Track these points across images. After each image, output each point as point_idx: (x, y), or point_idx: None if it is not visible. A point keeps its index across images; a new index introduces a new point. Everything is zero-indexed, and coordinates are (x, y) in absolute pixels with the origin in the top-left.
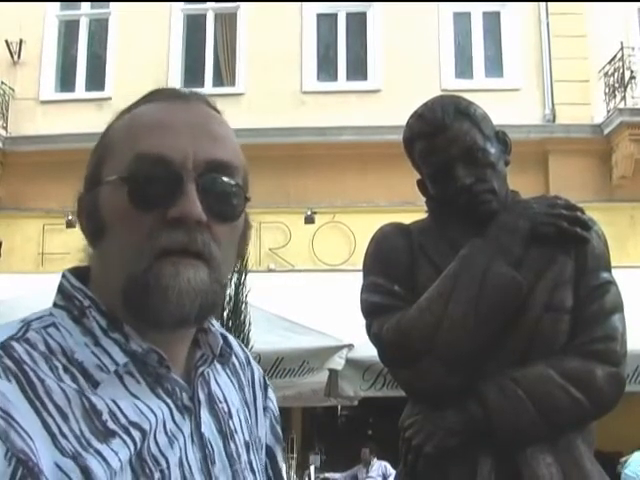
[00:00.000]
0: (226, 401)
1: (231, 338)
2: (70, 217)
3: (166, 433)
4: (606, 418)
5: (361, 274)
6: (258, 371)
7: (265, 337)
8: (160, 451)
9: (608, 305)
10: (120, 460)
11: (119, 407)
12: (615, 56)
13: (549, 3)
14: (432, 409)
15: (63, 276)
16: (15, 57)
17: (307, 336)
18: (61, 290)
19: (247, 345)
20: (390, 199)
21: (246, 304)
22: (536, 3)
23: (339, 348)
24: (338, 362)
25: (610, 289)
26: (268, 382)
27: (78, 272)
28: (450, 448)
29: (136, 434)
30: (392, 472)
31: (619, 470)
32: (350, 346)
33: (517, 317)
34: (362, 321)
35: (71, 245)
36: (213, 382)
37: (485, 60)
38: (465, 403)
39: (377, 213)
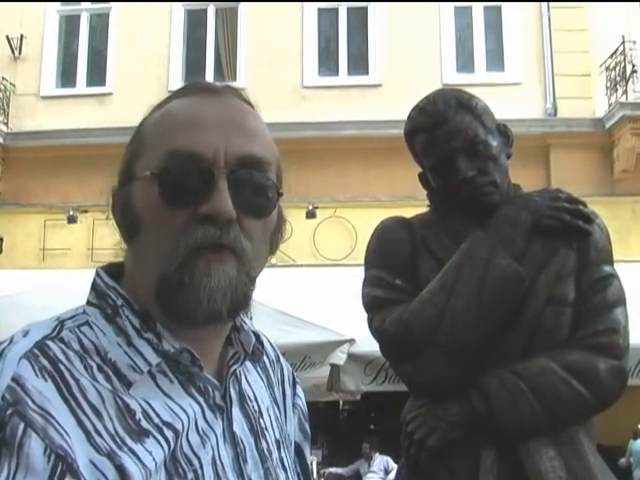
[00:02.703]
0: (256, 399)
1: (262, 336)
2: (71, 212)
3: (198, 432)
4: (608, 411)
5: (363, 269)
6: (287, 369)
7: (267, 332)
8: (193, 451)
9: (610, 298)
10: (155, 460)
11: (152, 407)
12: (616, 50)
13: None
14: (434, 403)
15: (97, 274)
16: (16, 52)
17: (309, 331)
18: (95, 288)
19: None
20: (392, 193)
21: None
22: None
23: (341, 343)
24: (340, 357)
25: (612, 282)
26: (297, 380)
27: (111, 269)
28: (452, 441)
29: (169, 434)
30: (394, 466)
31: (621, 463)
32: (352, 341)
33: (519, 310)
34: (364, 316)
35: (72, 241)
36: (244, 380)
37: (486, 54)
38: (467, 396)
39: (379, 208)
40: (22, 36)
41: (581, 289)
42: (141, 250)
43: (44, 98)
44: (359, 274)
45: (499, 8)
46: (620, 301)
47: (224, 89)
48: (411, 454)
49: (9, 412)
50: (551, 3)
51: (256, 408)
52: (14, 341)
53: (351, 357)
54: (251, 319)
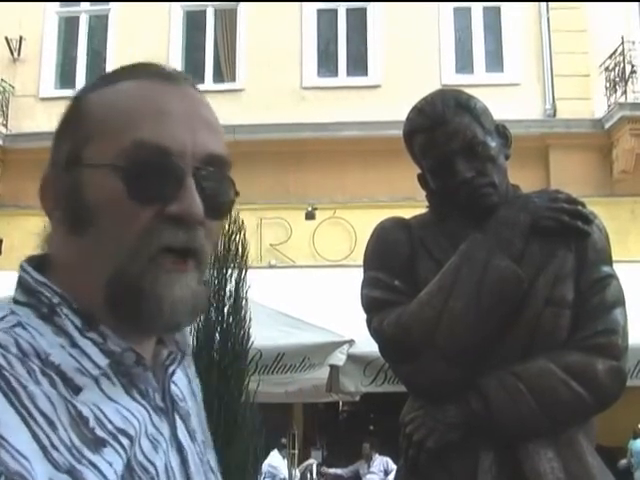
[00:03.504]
0: (185, 399)
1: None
2: None
3: (148, 438)
4: (607, 412)
5: (362, 270)
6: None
7: (266, 333)
8: (146, 458)
9: (609, 299)
10: (116, 472)
11: (104, 413)
12: (616, 50)
13: None
14: (433, 404)
15: (22, 269)
16: (15, 54)
17: (308, 332)
18: (22, 285)
19: (248, 341)
20: (391, 194)
21: (246, 300)
22: None
23: (340, 344)
24: (339, 358)
25: (611, 283)
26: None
27: (36, 263)
28: (451, 443)
29: (125, 441)
30: (393, 467)
31: (621, 465)
32: (351, 342)
33: (518, 312)
34: (363, 317)
35: None
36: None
37: (485, 55)
38: (466, 398)
39: (378, 209)
40: (21, 38)
41: (580, 290)
42: (91, 245)
43: (43, 99)
44: (358, 275)
45: (498, 9)
46: (619, 302)
47: (181, 77)
48: (410, 456)
49: None
50: (550, 4)
51: (186, 409)
52: None
53: (350, 358)
54: (251, 320)
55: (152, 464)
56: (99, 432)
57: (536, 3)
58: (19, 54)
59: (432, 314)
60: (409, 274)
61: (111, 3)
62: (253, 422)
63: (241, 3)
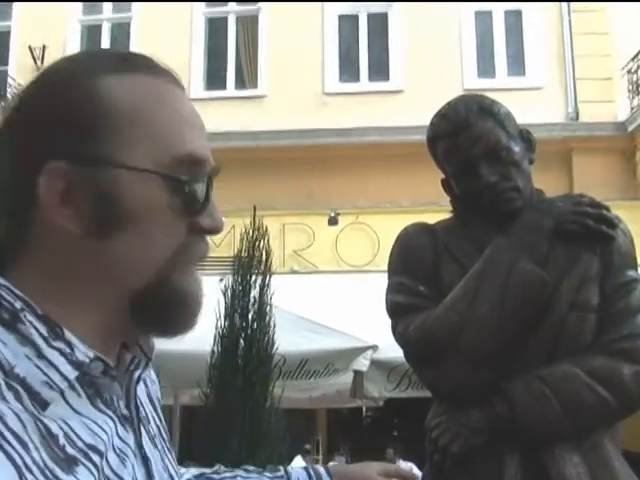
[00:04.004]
0: (142, 404)
1: None
2: None
3: (115, 452)
4: (635, 416)
5: (385, 275)
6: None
7: (290, 339)
8: (114, 473)
9: (634, 303)
10: None
11: (72, 429)
12: (638, 53)
13: (571, 0)
14: (457, 409)
15: None
16: (38, 62)
17: (332, 337)
18: None
19: (272, 347)
20: (414, 199)
21: (270, 306)
22: (558, 1)
23: (364, 349)
24: (363, 363)
25: (636, 287)
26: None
27: None
28: (476, 448)
29: (96, 458)
30: (418, 473)
31: None
32: (375, 347)
33: (542, 315)
34: (387, 322)
35: None
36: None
37: (507, 59)
38: (491, 402)
39: (401, 214)
40: (44, 46)
41: (604, 294)
42: (119, 249)
43: None
44: (382, 280)
45: (519, 12)
46: None
47: (176, 76)
48: (435, 461)
49: None
50: (572, 6)
51: (144, 414)
52: None
53: (374, 363)
54: (275, 326)
55: (119, 478)
56: (70, 450)
57: (557, 6)
58: (42, 62)
59: (457, 319)
60: (433, 279)
61: (133, 11)
62: (278, 428)
63: (262, 9)
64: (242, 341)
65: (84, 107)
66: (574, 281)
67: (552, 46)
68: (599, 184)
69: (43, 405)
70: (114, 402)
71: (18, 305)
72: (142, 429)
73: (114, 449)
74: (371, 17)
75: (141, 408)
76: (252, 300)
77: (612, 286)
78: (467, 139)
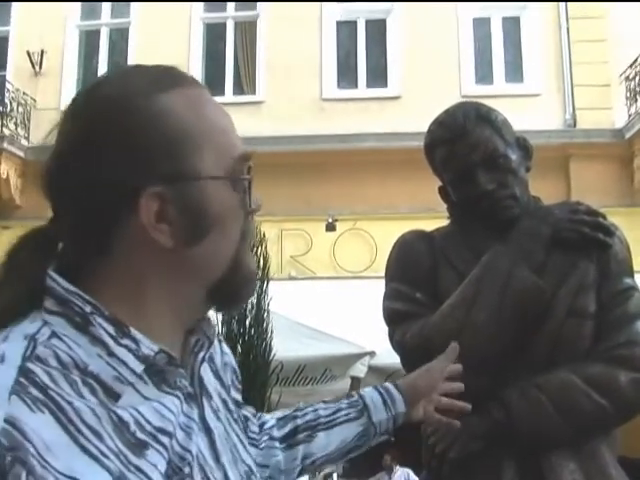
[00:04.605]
0: (209, 381)
1: None
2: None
3: (182, 427)
4: (633, 422)
5: (383, 281)
6: (214, 328)
7: (287, 345)
8: (182, 447)
9: (631, 310)
10: (160, 473)
11: (142, 414)
12: (636, 60)
13: (569, 7)
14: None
15: (50, 278)
16: (37, 67)
17: (329, 344)
18: (53, 295)
19: (269, 353)
20: (411, 205)
21: (268, 312)
22: (556, 8)
23: (361, 355)
24: (360, 369)
25: (633, 294)
26: (220, 337)
27: (59, 271)
28: (474, 454)
29: (165, 439)
30: (415, 479)
31: None
32: (372, 353)
33: (540, 322)
34: (384, 328)
35: None
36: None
37: (505, 65)
38: (488, 409)
39: (398, 220)
40: (43, 51)
41: (601, 301)
42: (207, 250)
43: None
44: (379, 286)
45: (517, 19)
46: None
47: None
48: (432, 467)
49: (9, 459)
50: (570, 13)
51: (210, 391)
52: None
53: (371, 370)
54: (272, 332)
55: (188, 451)
56: (140, 435)
57: (556, 13)
58: (40, 67)
59: (454, 325)
60: (431, 286)
61: (131, 16)
62: None
63: (261, 15)
64: (240, 347)
65: (156, 130)
66: (571, 288)
67: (550, 53)
68: (597, 190)
69: (116, 397)
70: (178, 383)
71: (88, 309)
72: (205, 403)
73: (181, 426)
74: (369, 23)
75: (206, 385)
76: (250, 306)
77: (609, 293)
78: (464, 146)
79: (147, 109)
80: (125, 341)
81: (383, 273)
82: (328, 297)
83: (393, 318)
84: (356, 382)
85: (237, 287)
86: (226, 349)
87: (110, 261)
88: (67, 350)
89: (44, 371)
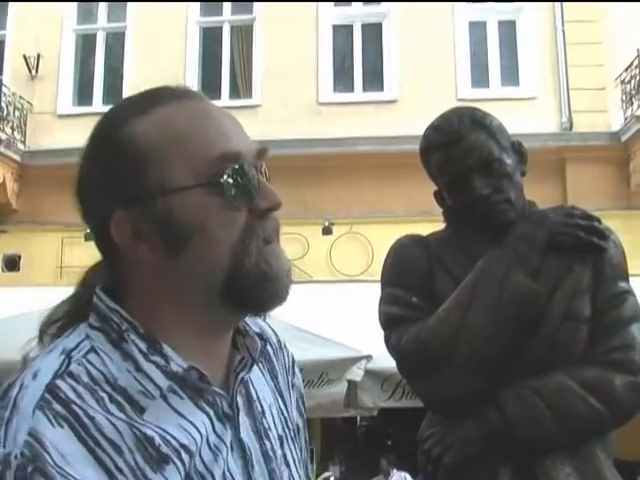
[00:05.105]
0: (259, 399)
1: (265, 326)
2: (89, 230)
3: (210, 448)
4: (628, 426)
5: (379, 284)
6: (289, 353)
7: None
8: (206, 467)
9: (626, 314)
10: None
11: (168, 432)
12: (632, 63)
13: (565, 11)
14: (451, 419)
15: (97, 296)
16: (33, 71)
17: (326, 347)
18: (97, 311)
19: None
20: (407, 209)
21: (265, 316)
22: (551, 11)
23: (358, 359)
24: (357, 373)
25: (628, 298)
26: (295, 360)
27: (108, 289)
28: (469, 458)
29: (185, 457)
30: None
31: None
32: (369, 357)
33: (535, 327)
34: (381, 332)
35: (89, 258)
36: (248, 381)
37: (501, 69)
38: (484, 413)
39: (395, 223)
40: (39, 55)
41: (597, 305)
42: (192, 260)
43: (61, 116)
44: (376, 290)
45: (513, 23)
46: (636, 317)
47: (196, 92)
48: (428, 471)
49: (30, 469)
50: (566, 16)
51: (259, 409)
52: (24, 385)
53: (368, 373)
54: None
55: (210, 473)
56: (164, 449)
57: (551, 16)
58: (37, 71)
59: (450, 330)
60: (427, 290)
61: (128, 20)
62: None
63: (257, 19)
64: None
65: (122, 157)
66: (566, 292)
67: (546, 56)
68: (593, 194)
69: (141, 410)
70: (217, 402)
71: (124, 326)
72: (246, 422)
73: (209, 445)
74: (365, 27)
75: (255, 403)
76: None
77: (604, 297)
78: (460, 151)
79: (115, 138)
80: (155, 357)
81: (379, 277)
82: (325, 301)
83: (389, 322)
84: (353, 386)
85: (248, 287)
86: (297, 371)
87: (126, 283)
88: (101, 366)
89: (71, 387)
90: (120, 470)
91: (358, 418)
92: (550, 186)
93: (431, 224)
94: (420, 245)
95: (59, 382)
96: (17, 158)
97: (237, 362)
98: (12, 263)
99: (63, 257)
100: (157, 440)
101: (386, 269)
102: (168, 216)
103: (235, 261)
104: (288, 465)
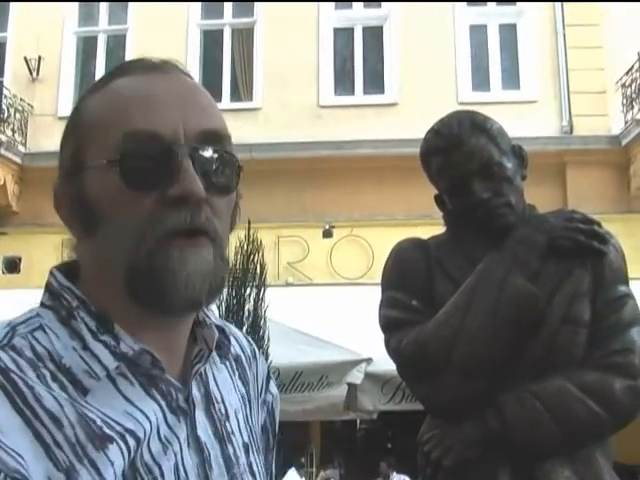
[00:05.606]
0: (223, 402)
1: (234, 330)
2: None
3: (160, 439)
4: (628, 429)
5: (379, 287)
6: (263, 365)
7: (284, 352)
8: (153, 459)
9: (626, 318)
10: (115, 473)
11: (110, 417)
12: (632, 67)
13: (565, 14)
14: (451, 422)
15: (51, 274)
16: (34, 74)
17: (326, 350)
18: (49, 289)
19: (266, 360)
20: (407, 212)
21: (265, 319)
22: (552, 15)
23: (358, 362)
24: (357, 376)
25: (628, 302)
26: (272, 375)
27: (66, 269)
28: (469, 461)
29: (131, 442)
30: None
31: None
32: (369, 360)
33: (535, 330)
34: (381, 335)
35: None
36: (212, 381)
37: (502, 72)
38: (483, 416)
39: (395, 226)
40: (40, 57)
41: (596, 309)
42: (103, 243)
43: (61, 119)
44: (376, 293)
45: (514, 26)
46: (636, 321)
47: (169, 66)
48: (428, 474)
49: None
50: (566, 20)
51: (222, 412)
52: None
53: (368, 376)
54: (269, 340)
55: (157, 465)
56: (107, 430)
57: (552, 20)
58: (38, 74)
59: (449, 332)
60: (427, 294)
61: (129, 23)
62: None
63: (258, 22)
64: None
65: (68, 130)
66: (566, 296)
67: (546, 60)
68: (593, 197)
69: (84, 391)
70: (171, 393)
71: (75, 303)
72: (203, 421)
73: (159, 436)
74: (366, 30)
75: (217, 405)
76: (246, 313)
77: (604, 301)
78: (460, 156)
79: (72, 116)
80: (105, 337)
81: (380, 280)
82: (325, 304)
83: (389, 325)
84: (352, 389)
85: (146, 283)
86: (273, 390)
87: (81, 260)
88: (47, 343)
89: (11, 359)
90: (58, 445)
91: (358, 421)
92: (550, 190)
93: (431, 227)
94: (420, 248)
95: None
96: (18, 160)
97: (194, 355)
98: (12, 265)
99: (63, 259)
100: (99, 422)
101: (386, 272)
102: (78, 195)
103: (130, 252)
104: (254, 475)
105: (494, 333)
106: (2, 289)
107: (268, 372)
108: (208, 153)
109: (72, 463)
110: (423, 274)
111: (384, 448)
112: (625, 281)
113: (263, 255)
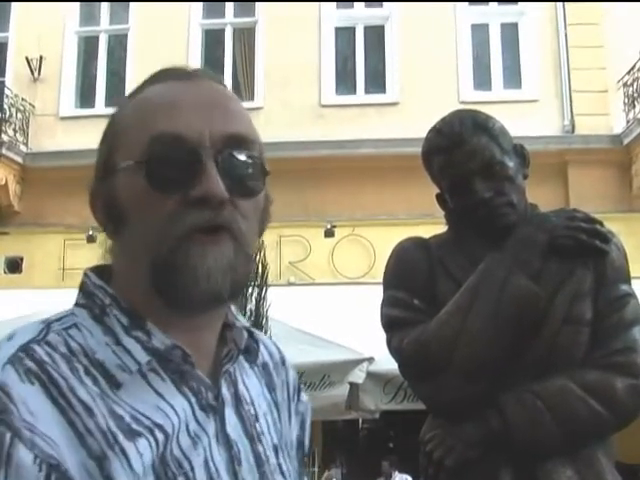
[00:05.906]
0: (253, 404)
1: (262, 336)
2: (91, 232)
3: (189, 434)
4: (630, 428)
5: (381, 287)
6: (293, 374)
7: (285, 351)
8: (183, 453)
9: (628, 317)
10: (143, 464)
11: (140, 412)
12: (634, 66)
13: (567, 14)
14: (452, 422)
15: (85, 274)
16: (35, 74)
17: (328, 350)
18: (83, 289)
19: None
20: (409, 211)
21: (267, 318)
22: (554, 14)
23: (360, 361)
24: (359, 375)
25: (630, 301)
26: (301, 386)
27: (100, 270)
28: (470, 461)
29: (160, 436)
30: None
31: None
32: (371, 359)
33: (536, 330)
34: (383, 334)
35: (92, 260)
36: (241, 383)
37: (503, 72)
38: (485, 415)
39: (396, 226)
40: (41, 57)
41: (598, 308)
42: (131, 241)
43: (63, 119)
44: (378, 292)
45: (516, 25)
46: (638, 320)
47: (199, 72)
48: (430, 474)
49: None
50: (568, 19)
51: (252, 412)
52: None
53: (370, 376)
54: (270, 338)
55: (187, 459)
56: (134, 426)
57: (553, 19)
58: (39, 74)
59: (450, 332)
60: (428, 293)
61: (130, 22)
62: None
63: (260, 21)
64: None
65: (104, 136)
66: (567, 295)
67: (548, 59)
68: (595, 196)
69: (117, 385)
70: (201, 390)
71: (107, 301)
72: (233, 419)
73: (188, 431)
74: (368, 29)
75: (247, 406)
76: (248, 313)
77: (606, 300)
78: (462, 155)
79: (110, 121)
80: (137, 332)
81: (381, 279)
82: (327, 303)
83: (391, 325)
84: (354, 388)
85: (167, 281)
86: (305, 399)
87: (114, 260)
88: (81, 340)
89: (46, 353)
90: (91, 433)
91: (360, 420)
92: (552, 189)
93: (433, 227)
94: (422, 248)
95: (34, 345)
96: (19, 160)
97: (224, 355)
98: (14, 265)
99: (65, 259)
100: (127, 419)
101: (388, 272)
102: (109, 196)
103: (153, 250)
104: (283, 475)
105: (495, 334)
106: (4, 289)
107: (297, 382)
108: (233, 156)
109: (104, 451)
110: (425, 273)
111: (386, 447)
112: (627, 280)
113: (265, 255)
